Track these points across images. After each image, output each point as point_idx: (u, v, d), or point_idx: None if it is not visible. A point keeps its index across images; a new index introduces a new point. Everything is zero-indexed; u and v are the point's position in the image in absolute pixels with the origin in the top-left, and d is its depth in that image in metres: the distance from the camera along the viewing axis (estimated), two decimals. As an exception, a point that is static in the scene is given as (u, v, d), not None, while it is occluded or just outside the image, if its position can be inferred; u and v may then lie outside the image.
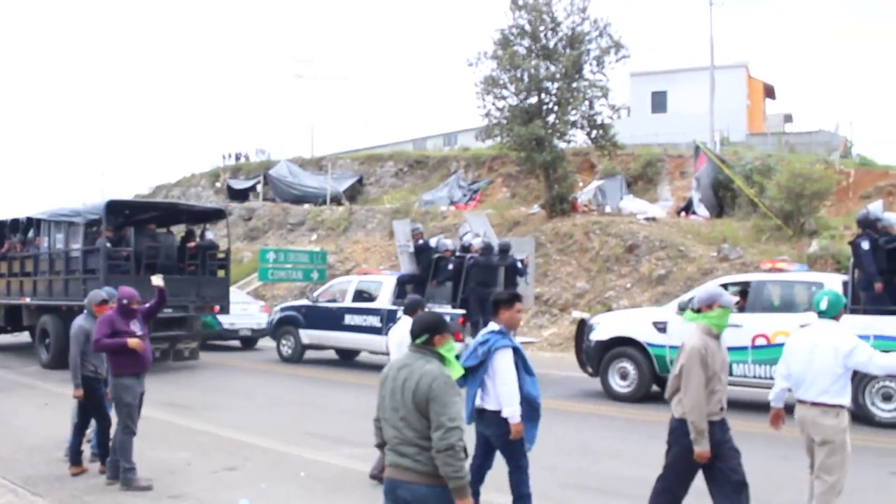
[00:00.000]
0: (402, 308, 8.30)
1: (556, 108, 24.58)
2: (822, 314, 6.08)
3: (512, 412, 5.92)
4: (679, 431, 5.80)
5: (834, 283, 11.32)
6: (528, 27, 24.81)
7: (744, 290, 12.06)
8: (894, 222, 12.26)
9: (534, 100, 24.71)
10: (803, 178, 20.76)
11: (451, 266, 15.44)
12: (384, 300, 16.40)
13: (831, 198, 22.75)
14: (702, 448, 5.64)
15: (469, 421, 6.00)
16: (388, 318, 15.83)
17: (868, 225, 11.74)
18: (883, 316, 10.65)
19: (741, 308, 11.86)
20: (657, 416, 11.47)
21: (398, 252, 17.57)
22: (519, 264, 15.70)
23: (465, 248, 15.98)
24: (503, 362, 5.96)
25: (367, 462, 8.17)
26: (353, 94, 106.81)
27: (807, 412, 5.99)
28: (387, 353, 15.99)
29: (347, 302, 16.98)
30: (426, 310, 7.46)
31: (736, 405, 12.43)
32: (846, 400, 5.93)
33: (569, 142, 26.35)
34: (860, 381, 10.35)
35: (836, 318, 6.11)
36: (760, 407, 12.06)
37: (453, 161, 35.96)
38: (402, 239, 16.93)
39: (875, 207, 12.64)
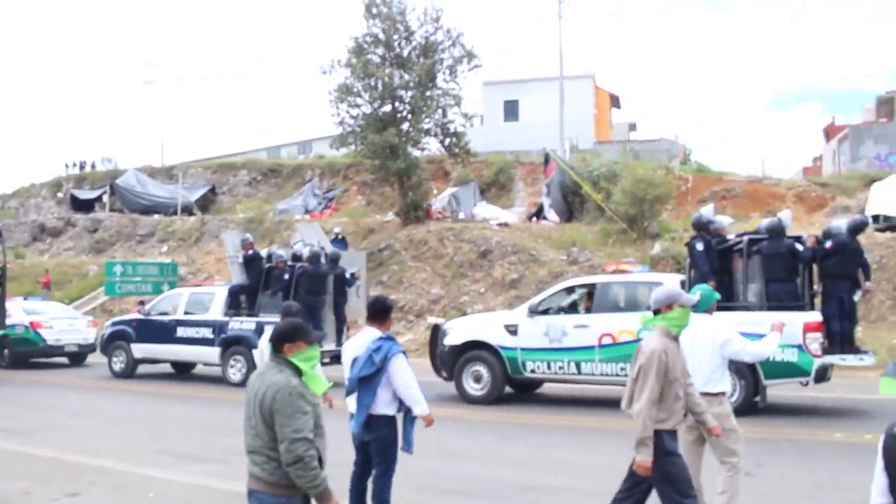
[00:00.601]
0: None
1: (409, 116, 24.75)
2: (695, 308, 6.35)
3: (423, 408, 6.06)
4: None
5: (672, 282, 11.86)
6: (381, 35, 24.89)
7: (590, 291, 12.46)
8: (725, 224, 13.05)
9: (388, 108, 24.79)
10: (646, 184, 21.74)
11: (286, 276, 15.39)
12: (216, 311, 16.14)
13: (672, 202, 23.90)
14: (643, 458, 5.23)
15: (360, 429, 6.01)
16: (220, 329, 15.71)
17: (701, 227, 12.43)
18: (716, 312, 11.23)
19: (588, 309, 12.28)
20: (512, 418, 11.71)
21: (229, 263, 17.50)
22: (348, 276, 15.99)
23: (297, 258, 15.95)
24: (402, 366, 6.02)
25: (215, 478, 7.90)
26: (204, 100, 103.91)
27: None
28: (219, 365, 16.11)
29: (179, 314, 16.61)
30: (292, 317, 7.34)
31: (586, 402, 12.91)
32: (728, 387, 6.36)
33: (423, 150, 26.55)
34: None
35: (709, 311, 6.46)
36: (608, 403, 12.56)
37: (308, 169, 35.57)
38: (231, 250, 16.89)
39: (707, 211, 13.36)
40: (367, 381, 5.97)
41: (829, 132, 46.16)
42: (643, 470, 5.27)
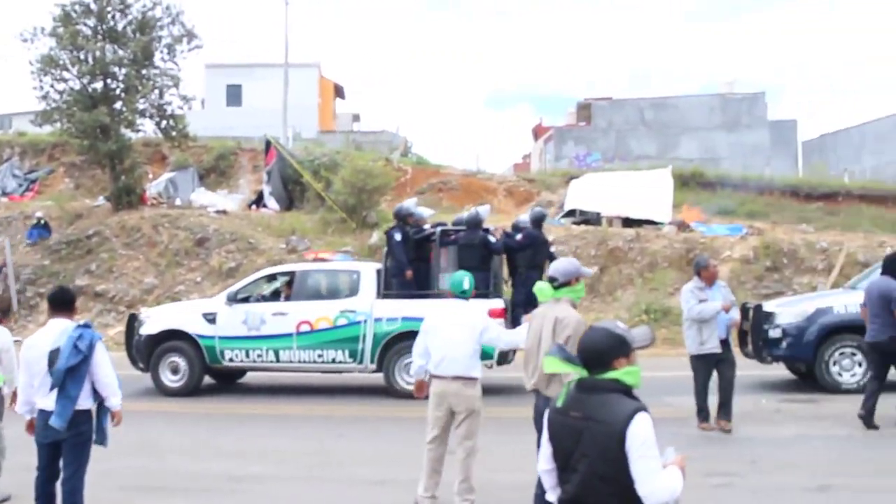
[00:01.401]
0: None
1: (123, 94, 23.37)
2: (463, 294, 6.79)
3: (118, 401, 5.95)
4: None
5: (369, 270, 12.38)
6: (93, 6, 23.21)
7: (290, 279, 12.59)
8: (425, 216, 13.80)
9: (99, 85, 23.23)
10: (365, 174, 22.30)
11: None
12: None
13: (391, 193, 24.65)
14: None
15: (68, 427, 5.69)
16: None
17: (401, 218, 13.09)
18: (411, 300, 11.88)
19: (288, 297, 12.39)
20: (222, 409, 11.61)
21: None
22: None
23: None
24: (104, 354, 5.89)
25: None
26: None
27: (448, 386, 6.51)
28: None
29: None
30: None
31: (290, 390, 13.02)
32: (480, 372, 6.73)
33: (138, 131, 25.19)
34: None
35: (467, 298, 6.90)
36: (311, 391, 12.84)
37: (6, 147, 32.41)
38: None
39: (409, 203, 14.11)
40: (75, 371, 5.70)
41: (538, 132, 50.08)
42: None
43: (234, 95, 41.17)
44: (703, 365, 9.16)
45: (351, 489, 7.58)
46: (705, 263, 9.48)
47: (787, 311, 11.98)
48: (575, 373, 3.44)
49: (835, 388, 11.11)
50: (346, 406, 11.82)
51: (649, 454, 3.23)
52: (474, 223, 12.49)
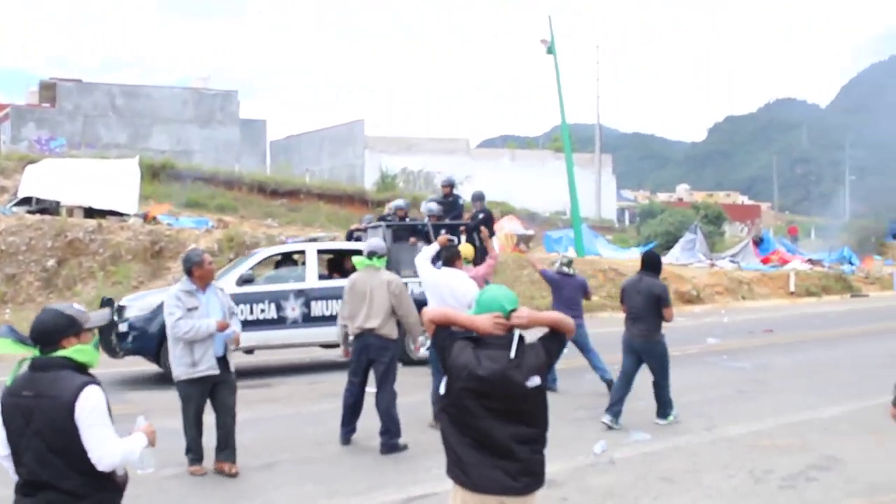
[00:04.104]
0: None
1: None
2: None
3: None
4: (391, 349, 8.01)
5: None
6: None
7: None
8: None
9: None
10: None
11: None
12: None
13: None
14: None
15: None
16: None
17: None
18: None
19: None
20: None
21: None
22: None
23: None
24: None
25: None
26: None
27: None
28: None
29: None
30: None
31: None
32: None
33: None
34: None
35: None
36: None
37: None
38: None
39: None
40: None
41: (-7, 110, 44.91)
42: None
43: None
44: (196, 391, 7.11)
45: None
46: (199, 259, 7.15)
47: (136, 304, 11.87)
48: (27, 353, 3.49)
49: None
50: None
51: (99, 422, 3.37)
52: None
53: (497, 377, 3.67)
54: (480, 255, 11.70)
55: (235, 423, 7.24)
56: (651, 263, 9.07)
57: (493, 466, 3.69)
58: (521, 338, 3.76)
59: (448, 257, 8.57)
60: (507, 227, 27.97)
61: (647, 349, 8.80)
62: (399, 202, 15.44)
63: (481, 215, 14.12)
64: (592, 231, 33.08)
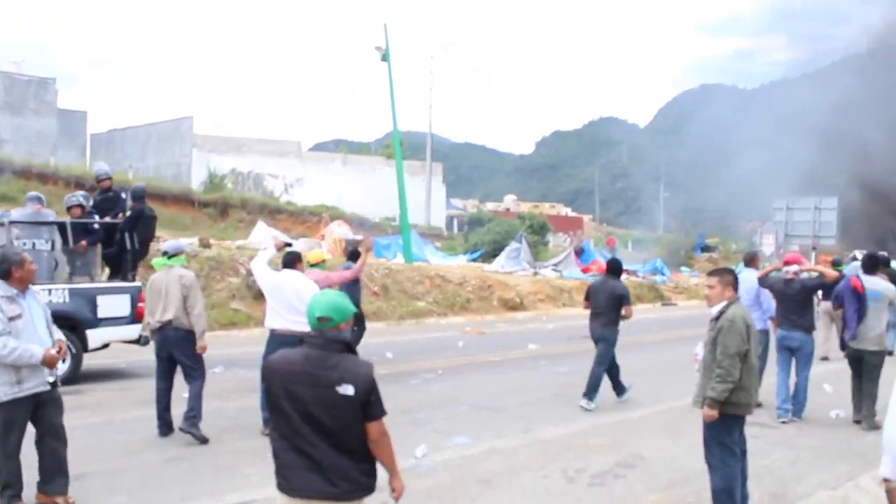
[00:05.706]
0: None
1: None
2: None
3: None
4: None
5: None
6: None
7: None
8: None
9: None
10: None
11: None
12: None
13: None
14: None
15: None
16: None
17: None
18: None
19: None
20: None
21: None
22: None
23: None
24: None
25: None
26: None
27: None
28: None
29: None
30: None
31: None
32: None
33: None
34: None
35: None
36: None
37: None
38: None
39: None
40: None
41: None
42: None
43: None
44: (21, 414, 5.93)
45: None
46: (19, 259, 5.98)
47: None
48: None
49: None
50: None
51: None
52: None
53: (304, 376, 3.68)
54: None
55: (67, 445, 6.24)
56: (614, 269, 10.79)
57: (311, 470, 3.69)
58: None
59: (289, 260, 8.67)
60: (336, 232, 27.92)
61: (602, 337, 10.36)
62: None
63: (129, 213, 12.06)
64: (422, 238, 33.56)
